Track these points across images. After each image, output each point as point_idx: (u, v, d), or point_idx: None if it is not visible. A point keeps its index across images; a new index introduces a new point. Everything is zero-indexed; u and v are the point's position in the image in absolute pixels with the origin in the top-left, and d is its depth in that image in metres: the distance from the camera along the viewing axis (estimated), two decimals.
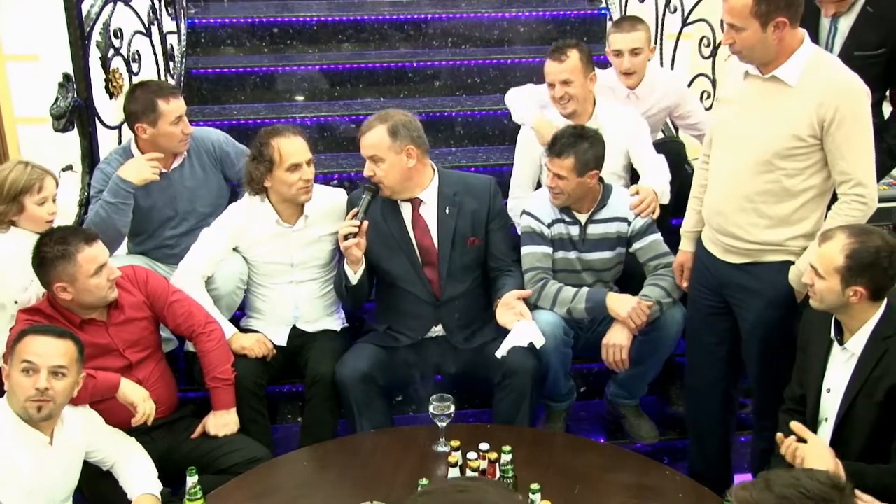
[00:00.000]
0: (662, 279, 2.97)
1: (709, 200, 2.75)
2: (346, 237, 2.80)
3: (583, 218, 3.02)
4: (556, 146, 2.89)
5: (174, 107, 3.06)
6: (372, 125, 2.88)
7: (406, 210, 2.96)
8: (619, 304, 2.88)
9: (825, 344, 2.45)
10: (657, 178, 3.19)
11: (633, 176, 3.44)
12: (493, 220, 3.01)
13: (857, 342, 2.35)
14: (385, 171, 2.87)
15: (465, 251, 2.98)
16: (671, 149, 3.50)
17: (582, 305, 2.90)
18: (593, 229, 3.02)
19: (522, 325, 2.81)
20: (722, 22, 3.63)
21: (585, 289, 2.94)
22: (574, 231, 3.02)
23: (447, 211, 2.96)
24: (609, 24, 4.68)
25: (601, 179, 3.01)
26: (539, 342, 2.82)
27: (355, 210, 2.84)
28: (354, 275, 2.88)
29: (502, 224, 3.04)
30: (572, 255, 3.03)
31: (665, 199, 3.24)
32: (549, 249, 3.00)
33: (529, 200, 3.11)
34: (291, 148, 2.92)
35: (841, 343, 2.40)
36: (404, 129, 2.87)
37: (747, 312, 2.70)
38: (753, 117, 2.57)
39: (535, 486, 2.17)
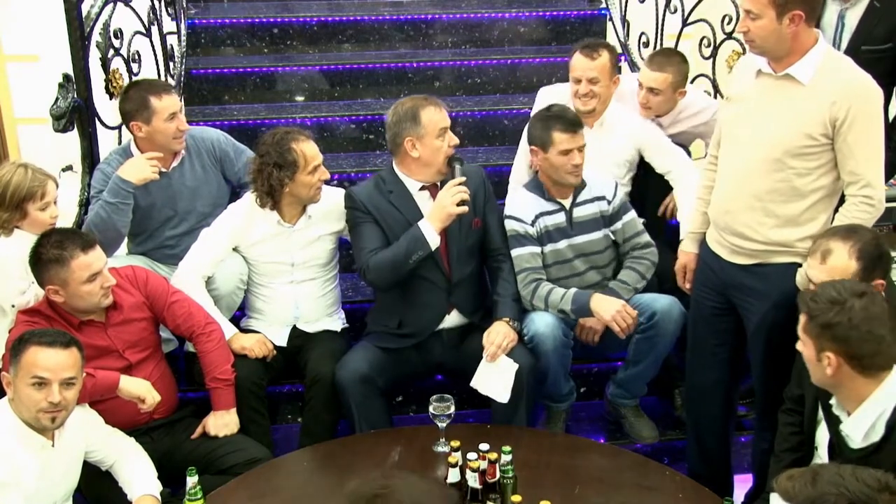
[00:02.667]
0: (639, 262, 3.04)
1: (716, 199, 2.74)
2: (459, 203, 2.82)
3: (567, 203, 3.04)
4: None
5: (167, 103, 3.06)
6: (439, 102, 2.95)
7: (422, 198, 2.97)
8: (604, 306, 2.88)
9: None
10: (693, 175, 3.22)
11: (635, 180, 3.45)
12: (488, 203, 3.07)
13: None
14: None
15: (469, 233, 3.01)
16: None
17: (568, 307, 2.91)
18: (579, 212, 3.05)
19: (490, 370, 2.87)
20: (722, 21, 3.67)
21: (573, 290, 2.94)
22: (560, 218, 3.04)
23: None
24: (609, 24, 4.71)
25: None
26: (502, 399, 2.85)
27: (461, 178, 2.87)
28: (438, 238, 2.88)
29: (494, 206, 3.11)
30: (561, 244, 3.03)
31: None
32: (537, 248, 3.01)
33: (508, 204, 3.11)
34: (312, 151, 2.96)
35: None
36: None
37: (752, 314, 2.70)
38: (765, 115, 2.56)
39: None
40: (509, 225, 3.04)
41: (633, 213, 3.11)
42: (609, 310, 2.87)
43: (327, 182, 3.06)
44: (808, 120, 2.46)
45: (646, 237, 3.10)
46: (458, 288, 3.01)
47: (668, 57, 3.44)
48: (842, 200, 2.57)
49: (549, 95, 3.50)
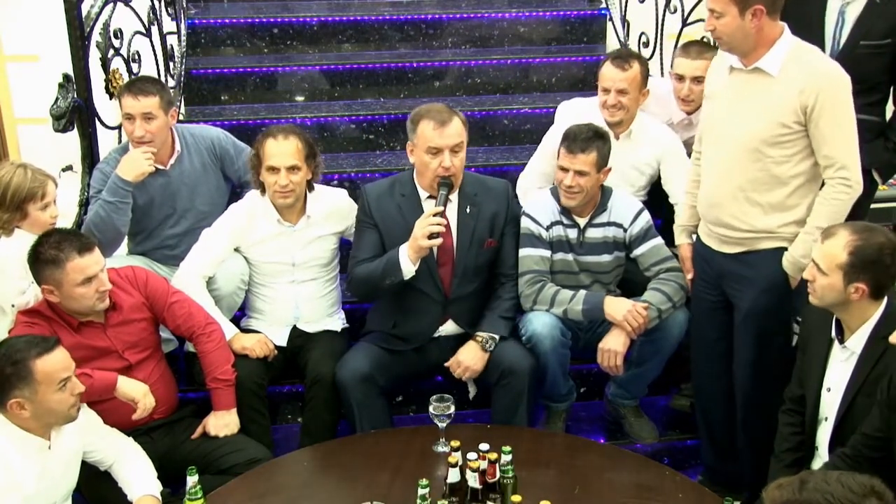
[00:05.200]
0: (665, 284, 2.96)
1: (703, 194, 2.80)
2: (430, 236, 2.73)
3: (582, 222, 3.01)
4: (579, 142, 2.89)
5: (127, 103, 3.05)
6: (450, 115, 2.82)
7: (430, 206, 2.89)
8: (616, 307, 2.88)
9: (825, 343, 2.45)
10: None
11: (652, 196, 3.41)
12: (509, 224, 3.01)
13: (858, 341, 2.36)
14: (461, 162, 2.86)
15: (480, 252, 2.97)
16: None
17: (579, 307, 2.90)
18: (592, 233, 3.02)
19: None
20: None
21: (583, 291, 2.94)
22: (572, 234, 3.01)
23: (468, 211, 2.95)
24: (609, 24, 4.70)
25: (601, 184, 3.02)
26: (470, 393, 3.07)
27: (439, 208, 2.77)
28: (414, 269, 2.82)
29: (516, 230, 3.03)
30: (570, 256, 3.03)
31: None
32: (546, 252, 3.00)
33: (529, 202, 3.10)
34: (273, 150, 2.91)
35: (841, 342, 2.40)
36: (466, 124, 2.89)
37: (742, 301, 2.74)
38: (740, 108, 2.63)
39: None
40: (524, 223, 3.01)
41: (657, 241, 3.03)
42: (620, 310, 2.86)
43: (327, 182, 3.05)
44: (780, 109, 2.54)
45: (672, 262, 3.01)
46: (455, 303, 2.99)
47: (700, 44, 3.45)
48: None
49: (570, 110, 3.45)
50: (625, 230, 3.02)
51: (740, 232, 2.68)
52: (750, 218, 2.66)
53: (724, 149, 2.68)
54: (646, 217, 3.04)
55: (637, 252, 3.03)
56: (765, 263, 2.68)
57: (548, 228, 3.00)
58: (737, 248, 2.72)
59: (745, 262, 2.71)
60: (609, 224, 3.02)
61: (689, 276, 2.97)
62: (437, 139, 2.80)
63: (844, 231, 2.32)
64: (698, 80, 3.32)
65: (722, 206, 2.70)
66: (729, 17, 2.51)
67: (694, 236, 2.97)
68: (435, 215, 2.74)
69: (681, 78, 3.37)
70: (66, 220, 3.08)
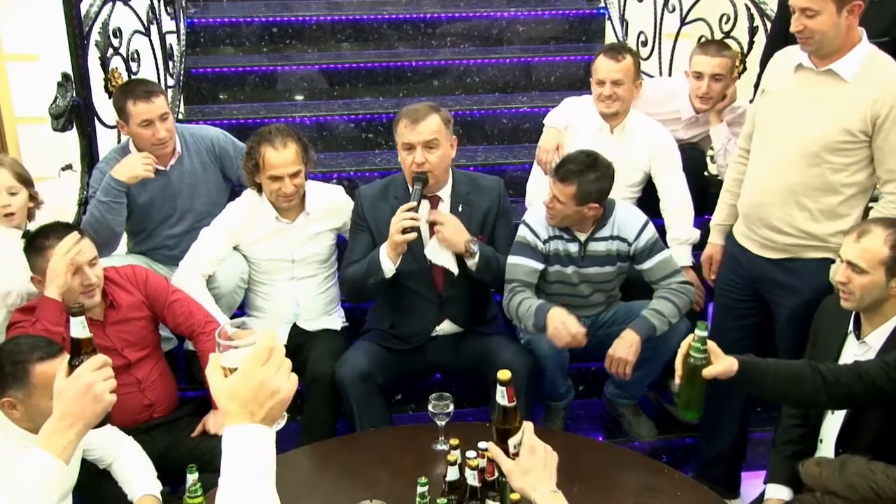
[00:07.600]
0: (676, 296, 2.85)
1: (748, 192, 2.73)
2: (403, 231, 2.73)
3: (582, 236, 2.93)
4: (562, 171, 2.79)
5: (141, 110, 3.03)
6: (425, 112, 2.81)
7: (423, 208, 2.89)
8: (552, 319, 2.73)
9: (839, 336, 2.42)
10: (684, 228, 3.17)
11: (645, 194, 3.41)
12: (500, 218, 3.01)
13: (878, 337, 2.33)
14: (438, 159, 2.82)
15: None
16: (691, 155, 3.48)
17: (531, 322, 2.80)
18: (594, 247, 2.93)
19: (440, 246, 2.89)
20: (720, 21, 3.66)
21: (537, 303, 2.81)
22: (573, 248, 2.94)
23: (460, 209, 2.94)
24: (608, 23, 4.71)
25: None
26: (454, 269, 2.91)
27: (412, 204, 2.75)
28: (394, 267, 2.82)
29: (507, 221, 3.02)
30: (569, 269, 2.96)
31: (695, 239, 3.24)
32: (538, 265, 2.92)
33: (530, 213, 3.05)
34: (274, 160, 2.90)
35: (858, 337, 2.38)
36: (450, 123, 2.88)
37: (783, 308, 2.70)
38: (803, 110, 2.56)
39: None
40: (521, 231, 2.95)
41: (665, 254, 2.92)
42: (553, 323, 2.72)
43: (325, 182, 3.05)
44: (848, 116, 2.47)
45: (682, 276, 2.92)
46: (450, 302, 2.99)
47: (718, 43, 3.45)
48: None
49: (573, 106, 3.43)
50: (629, 244, 2.92)
51: (785, 236, 2.62)
52: (797, 222, 2.59)
53: (780, 148, 2.60)
54: (651, 230, 2.92)
55: (644, 266, 2.93)
56: (810, 274, 2.61)
57: (546, 242, 2.94)
58: (780, 254, 2.66)
59: (788, 270, 2.65)
60: (612, 238, 2.93)
61: (713, 277, 2.94)
62: (408, 135, 2.80)
63: (877, 227, 2.29)
64: (717, 77, 3.34)
65: (769, 207, 2.63)
66: (825, 14, 2.41)
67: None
68: (408, 210, 2.74)
69: (699, 76, 3.37)
70: (65, 220, 3.08)
